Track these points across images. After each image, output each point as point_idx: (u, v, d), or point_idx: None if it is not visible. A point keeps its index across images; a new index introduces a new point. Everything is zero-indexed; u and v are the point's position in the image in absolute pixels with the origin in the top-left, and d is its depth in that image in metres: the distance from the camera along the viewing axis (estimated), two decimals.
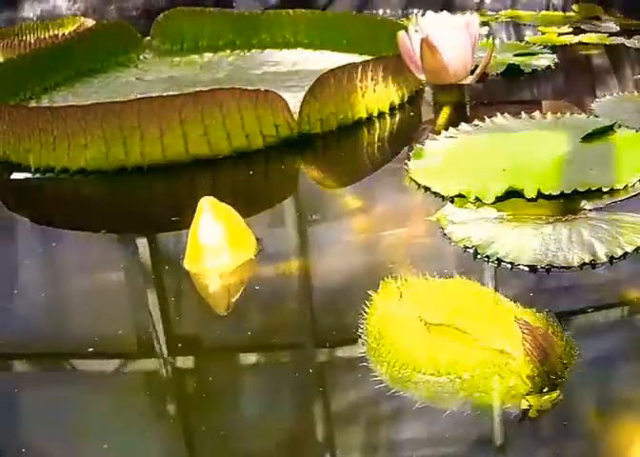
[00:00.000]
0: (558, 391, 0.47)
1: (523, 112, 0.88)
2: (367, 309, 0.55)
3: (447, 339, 0.50)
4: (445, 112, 0.94)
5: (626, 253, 0.61)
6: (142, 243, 0.72)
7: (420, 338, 0.51)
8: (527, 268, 0.60)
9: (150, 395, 0.53)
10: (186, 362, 0.56)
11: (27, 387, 0.54)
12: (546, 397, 0.47)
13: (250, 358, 0.56)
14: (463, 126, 0.87)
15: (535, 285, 0.60)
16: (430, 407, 0.48)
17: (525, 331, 0.48)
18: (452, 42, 0.92)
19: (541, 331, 0.49)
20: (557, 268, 0.60)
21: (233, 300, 0.61)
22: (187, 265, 0.63)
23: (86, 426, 0.49)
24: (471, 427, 0.46)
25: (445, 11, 0.95)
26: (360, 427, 0.48)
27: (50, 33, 1.29)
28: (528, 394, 0.47)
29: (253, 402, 0.51)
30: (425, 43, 0.91)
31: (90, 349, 0.56)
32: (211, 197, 0.62)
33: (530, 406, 0.46)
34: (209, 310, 0.61)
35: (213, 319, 0.60)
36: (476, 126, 0.87)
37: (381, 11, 1.39)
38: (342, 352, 0.55)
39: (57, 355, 0.57)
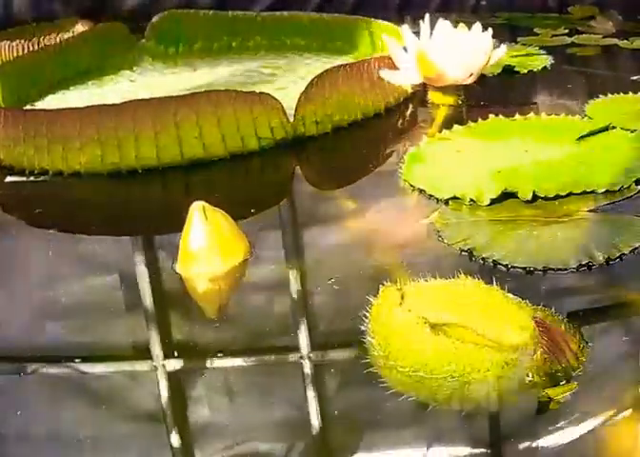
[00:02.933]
0: (575, 383, 0.48)
1: (517, 114, 0.89)
2: (368, 315, 0.55)
3: (456, 339, 0.50)
4: (440, 114, 0.93)
5: (622, 255, 0.61)
6: (135, 246, 0.71)
7: (429, 341, 0.50)
8: (523, 270, 0.60)
9: (143, 399, 0.52)
10: (178, 365, 0.56)
11: (18, 389, 0.54)
12: (565, 389, 0.47)
13: (247, 364, 0.56)
14: (457, 127, 0.86)
15: (532, 286, 0.60)
16: (446, 408, 0.48)
17: (542, 329, 0.48)
18: (450, 54, 0.91)
19: (557, 329, 0.50)
20: (554, 269, 0.60)
21: (223, 304, 0.61)
22: (179, 269, 0.63)
23: (81, 429, 0.49)
24: (493, 426, 0.47)
25: (443, 19, 0.94)
26: (377, 434, 0.47)
27: (47, 36, 1.29)
28: (545, 388, 0.48)
29: (252, 409, 0.51)
30: (420, 55, 0.90)
31: (82, 352, 0.56)
32: (203, 202, 0.62)
33: (549, 398, 0.47)
34: (199, 314, 0.61)
35: (204, 323, 0.60)
36: (471, 127, 0.87)
37: (376, 14, 1.39)
38: (345, 359, 0.55)
39: (50, 358, 0.56)
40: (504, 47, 0.95)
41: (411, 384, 0.49)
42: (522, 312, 0.52)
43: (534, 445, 0.46)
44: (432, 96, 0.96)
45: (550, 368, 0.48)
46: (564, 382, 0.48)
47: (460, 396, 0.48)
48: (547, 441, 0.45)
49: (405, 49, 0.94)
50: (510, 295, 0.54)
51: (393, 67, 0.94)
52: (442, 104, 0.95)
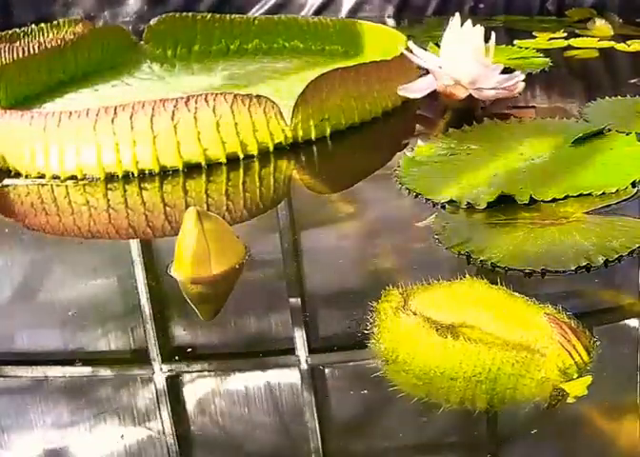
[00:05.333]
0: (590, 377, 0.48)
1: (512, 117, 0.89)
2: (370, 319, 0.55)
3: (464, 340, 0.50)
4: (438, 118, 0.93)
5: (620, 256, 0.61)
6: (131, 250, 0.71)
7: (437, 343, 0.50)
8: (521, 273, 0.60)
9: (138, 403, 0.52)
10: (173, 369, 0.56)
11: (15, 393, 0.54)
12: (580, 383, 0.48)
13: (246, 368, 0.56)
14: (454, 131, 0.87)
15: (531, 289, 0.60)
16: (459, 409, 0.48)
17: (554, 325, 0.49)
18: (477, 84, 0.91)
19: (569, 324, 0.50)
20: (552, 272, 0.60)
21: (216, 308, 0.61)
22: (174, 273, 0.64)
23: (77, 434, 0.49)
24: (508, 425, 0.47)
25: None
26: (391, 436, 0.47)
27: (46, 38, 1.29)
28: (559, 383, 0.48)
29: (253, 414, 0.50)
30: (444, 91, 0.91)
31: (78, 356, 0.56)
32: (197, 207, 0.63)
33: (565, 393, 0.47)
34: (194, 318, 0.61)
35: (197, 327, 0.60)
36: (467, 131, 0.87)
37: (374, 17, 1.39)
38: (350, 364, 0.54)
39: (46, 362, 0.57)
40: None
41: (422, 386, 0.49)
42: (531, 310, 0.52)
43: (550, 441, 0.46)
44: (443, 100, 0.96)
45: (564, 364, 0.49)
46: (576, 376, 0.48)
47: (473, 396, 0.48)
48: (562, 437, 0.46)
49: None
50: (517, 294, 0.54)
51: (391, 69, 0.94)
52: (451, 108, 0.95)
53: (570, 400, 0.47)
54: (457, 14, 0.93)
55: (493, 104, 0.95)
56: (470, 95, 0.92)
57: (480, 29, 0.91)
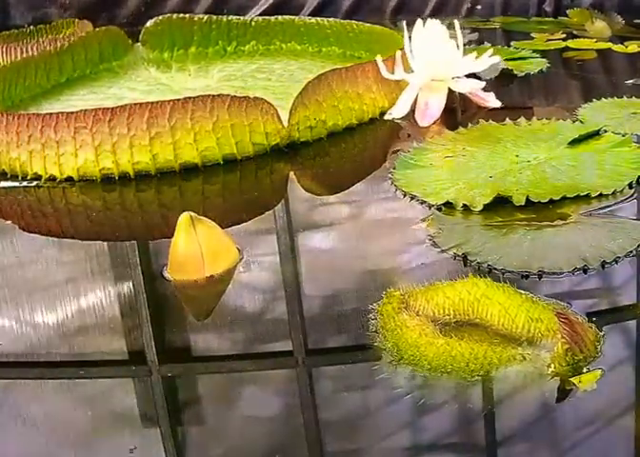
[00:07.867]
0: (600, 370, 0.48)
1: (508, 118, 0.89)
2: (370, 320, 0.54)
3: (471, 339, 0.50)
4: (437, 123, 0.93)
5: (617, 258, 0.61)
6: (126, 252, 0.71)
7: (442, 343, 0.50)
8: (518, 275, 0.60)
9: (133, 404, 0.52)
10: (167, 370, 0.56)
11: (13, 394, 0.54)
12: (590, 376, 0.48)
13: (243, 369, 0.56)
14: (450, 133, 0.87)
15: (529, 291, 0.60)
16: (471, 407, 0.48)
17: (563, 320, 0.49)
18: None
19: (576, 319, 0.50)
20: (549, 273, 0.60)
21: (207, 310, 0.62)
22: (168, 275, 0.64)
23: (75, 435, 0.49)
24: (522, 420, 0.47)
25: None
26: (404, 436, 0.47)
27: (44, 38, 1.29)
28: (569, 377, 0.48)
29: (254, 415, 0.50)
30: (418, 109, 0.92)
31: (75, 358, 0.55)
32: (190, 212, 0.63)
33: (575, 386, 0.47)
34: (190, 320, 0.61)
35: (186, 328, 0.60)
36: (462, 133, 0.87)
37: (370, 18, 1.39)
38: (353, 366, 0.54)
39: (40, 364, 0.56)
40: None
41: (429, 386, 0.49)
42: (535, 306, 0.52)
43: (561, 436, 0.46)
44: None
45: (572, 358, 0.49)
46: (585, 370, 0.49)
47: (480, 395, 0.48)
48: (574, 430, 0.46)
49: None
50: (521, 291, 0.54)
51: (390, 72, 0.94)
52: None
53: (580, 394, 0.47)
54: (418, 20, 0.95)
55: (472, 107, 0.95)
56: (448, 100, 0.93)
57: (438, 22, 0.93)
